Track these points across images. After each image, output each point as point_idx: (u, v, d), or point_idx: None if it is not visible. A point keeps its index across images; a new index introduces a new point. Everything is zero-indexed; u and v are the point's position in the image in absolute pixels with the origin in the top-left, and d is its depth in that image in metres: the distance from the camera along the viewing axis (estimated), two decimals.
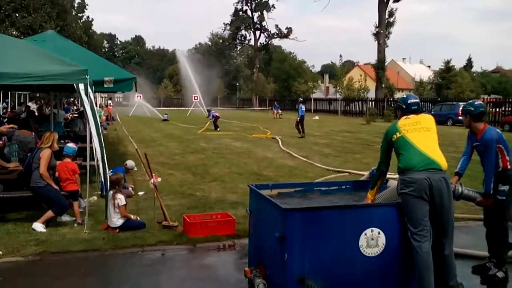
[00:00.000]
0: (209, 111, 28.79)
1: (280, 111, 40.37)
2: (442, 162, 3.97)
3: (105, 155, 6.32)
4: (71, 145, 7.14)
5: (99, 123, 6.41)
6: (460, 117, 27.56)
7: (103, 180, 6.41)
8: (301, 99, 26.56)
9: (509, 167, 4.57)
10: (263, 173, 10.86)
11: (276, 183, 5.18)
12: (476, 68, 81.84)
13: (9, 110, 20.96)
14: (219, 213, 6.67)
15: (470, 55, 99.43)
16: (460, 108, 27.06)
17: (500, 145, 4.55)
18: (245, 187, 5.71)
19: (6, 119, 12.42)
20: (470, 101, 4.98)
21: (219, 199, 8.12)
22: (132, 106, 43.18)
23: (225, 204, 7.69)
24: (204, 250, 5.67)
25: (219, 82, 69.96)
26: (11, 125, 9.16)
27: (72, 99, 31.88)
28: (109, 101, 43.28)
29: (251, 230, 4.61)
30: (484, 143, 4.55)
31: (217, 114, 26.23)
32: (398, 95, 51.96)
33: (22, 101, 29.41)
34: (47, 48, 7.97)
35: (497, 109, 30.82)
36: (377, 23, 44.94)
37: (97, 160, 6.36)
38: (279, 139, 18.17)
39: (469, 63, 79.41)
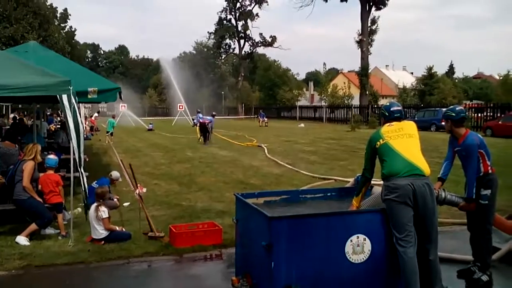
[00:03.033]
0: (198, 112, 26.92)
1: (266, 119, 40.52)
2: (425, 167, 4.03)
3: (82, 167, 6.29)
4: (52, 156, 7.04)
5: (81, 134, 6.33)
6: (443, 123, 27.94)
7: (83, 190, 6.35)
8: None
9: (490, 171, 4.66)
10: (249, 182, 10.86)
11: (262, 192, 5.18)
12: (458, 74, 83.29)
13: None
14: (206, 222, 6.63)
15: (451, 62, 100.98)
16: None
17: (481, 150, 4.64)
18: (231, 196, 5.70)
19: None
20: (451, 106, 5.07)
21: (206, 209, 8.09)
22: (116, 116, 42.85)
23: (212, 214, 7.67)
24: (191, 260, 5.63)
25: (204, 90, 69.86)
26: None
27: (50, 112, 31.55)
28: (96, 114, 42.88)
29: (238, 239, 4.60)
30: (466, 148, 4.62)
31: (202, 120, 21.89)
32: (382, 101, 52.56)
33: (4, 112, 29.05)
34: (29, 59, 7.88)
35: (479, 114, 31.35)
36: (360, 31, 45.71)
37: (80, 173, 6.32)
38: (264, 147, 18.21)
39: (451, 70, 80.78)
